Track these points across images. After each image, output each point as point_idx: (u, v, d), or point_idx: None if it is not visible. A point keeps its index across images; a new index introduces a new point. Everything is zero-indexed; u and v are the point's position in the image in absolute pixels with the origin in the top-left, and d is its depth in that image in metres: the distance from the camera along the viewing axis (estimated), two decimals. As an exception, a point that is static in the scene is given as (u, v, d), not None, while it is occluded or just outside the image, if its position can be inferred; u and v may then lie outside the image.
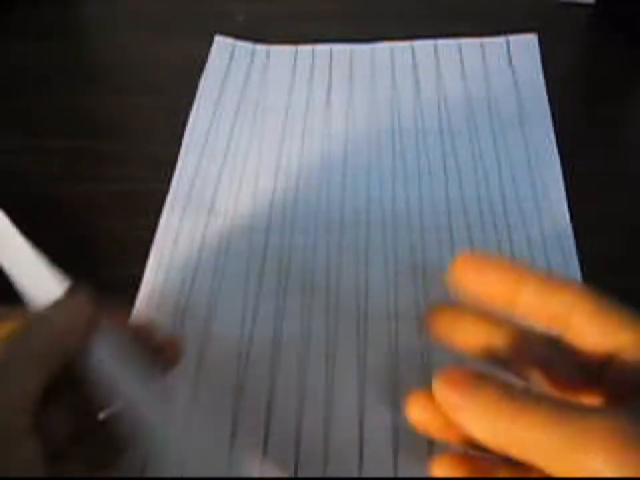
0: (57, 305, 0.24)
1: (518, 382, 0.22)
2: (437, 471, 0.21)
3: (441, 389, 0.19)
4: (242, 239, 0.36)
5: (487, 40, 0.47)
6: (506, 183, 0.38)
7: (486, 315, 0.24)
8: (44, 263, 0.25)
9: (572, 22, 0.49)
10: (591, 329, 0.20)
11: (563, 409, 0.17)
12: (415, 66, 0.46)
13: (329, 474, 0.28)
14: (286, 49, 0.47)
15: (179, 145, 0.41)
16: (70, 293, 0.24)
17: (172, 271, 0.35)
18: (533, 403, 0.18)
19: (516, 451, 0.18)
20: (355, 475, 0.28)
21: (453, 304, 0.24)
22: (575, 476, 0.17)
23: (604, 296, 0.21)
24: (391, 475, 0.28)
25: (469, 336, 0.24)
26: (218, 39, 0.48)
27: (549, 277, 0.22)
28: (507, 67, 0.45)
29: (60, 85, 0.47)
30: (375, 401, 0.30)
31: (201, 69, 0.46)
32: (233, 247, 0.36)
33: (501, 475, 0.21)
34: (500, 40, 0.47)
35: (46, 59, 0.48)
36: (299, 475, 0.28)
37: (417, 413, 0.21)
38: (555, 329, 0.22)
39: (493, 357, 0.23)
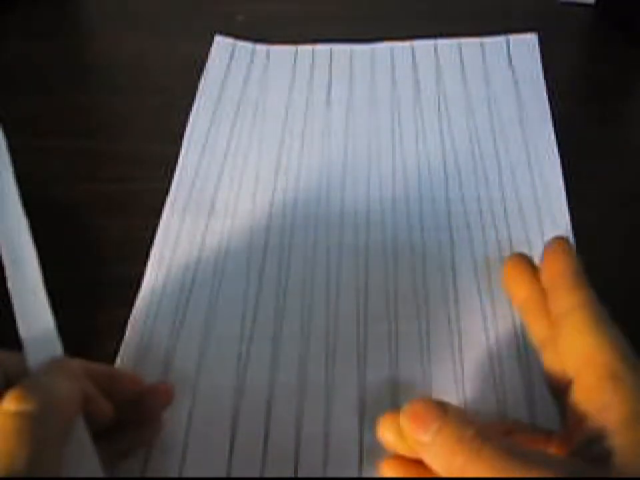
0: (56, 378, 0.23)
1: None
2: (387, 472, 0.25)
3: (407, 424, 0.22)
4: (242, 239, 0.36)
5: (487, 40, 0.47)
6: (506, 183, 0.38)
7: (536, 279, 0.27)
8: (45, 297, 0.24)
9: (572, 22, 0.49)
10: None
11: (504, 456, 0.20)
12: (415, 66, 0.46)
13: (329, 474, 0.28)
14: (286, 49, 0.47)
15: (179, 144, 0.41)
16: (62, 364, 0.24)
17: (172, 271, 0.35)
18: (479, 448, 0.20)
19: None
20: (355, 475, 0.28)
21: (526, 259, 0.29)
22: None
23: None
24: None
25: (517, 287, 0.28)
26: (218, 39, 0.48)
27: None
28: (507, 67, 0.45)
29: (60, 84, 0.46)
30: (375, 401, 0.30)
31: (201, 69, 0.46)
32: (233, 247, 0.36)
33: None
34: (500, 40, 0.47)
35: (46, 59, 0.48)
36: (299, 475, 0.28)
37: (388, 436, 0.24)
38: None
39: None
